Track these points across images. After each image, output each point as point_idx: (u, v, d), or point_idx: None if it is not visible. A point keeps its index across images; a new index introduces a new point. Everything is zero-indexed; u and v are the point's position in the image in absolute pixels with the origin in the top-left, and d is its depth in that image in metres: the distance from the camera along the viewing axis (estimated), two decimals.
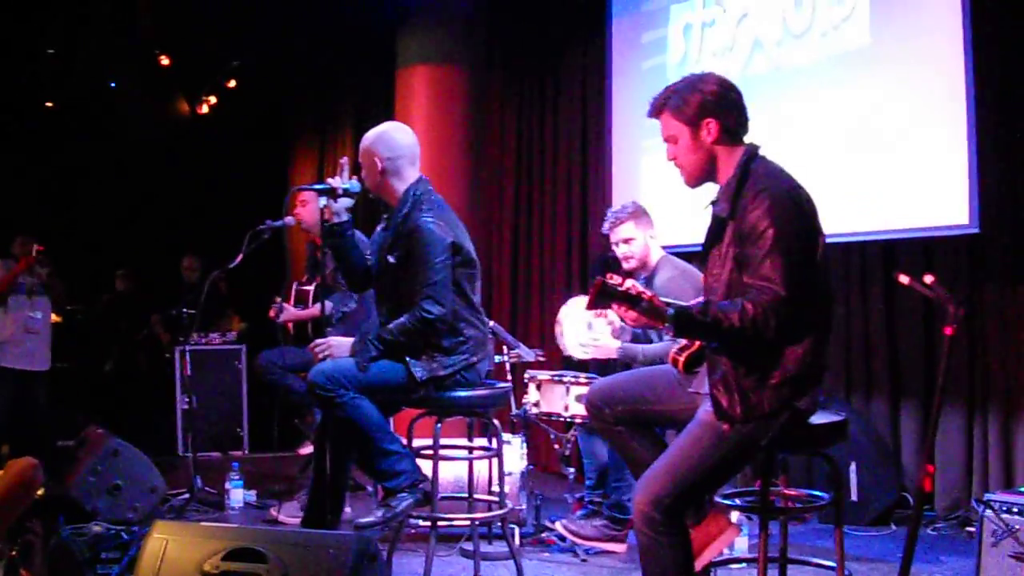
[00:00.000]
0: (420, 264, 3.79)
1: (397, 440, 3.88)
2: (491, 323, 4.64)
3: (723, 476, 3.04)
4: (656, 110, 3.05)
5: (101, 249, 10.57)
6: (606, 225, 4.87)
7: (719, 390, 2.87)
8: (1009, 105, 5.01)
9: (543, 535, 4.98)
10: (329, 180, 3.97)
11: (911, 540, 3.08)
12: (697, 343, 3.06)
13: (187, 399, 7.01)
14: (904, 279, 3.17)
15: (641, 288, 2.77)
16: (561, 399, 4.89)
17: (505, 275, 7.99)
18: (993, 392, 5.13)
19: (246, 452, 7.82)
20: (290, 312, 5.86)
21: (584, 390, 4.70)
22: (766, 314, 2.73)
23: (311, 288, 5.97)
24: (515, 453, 5.07)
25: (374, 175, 3.99)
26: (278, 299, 5.90)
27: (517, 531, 4.83)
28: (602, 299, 2.78)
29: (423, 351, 3.84)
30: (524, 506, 5.05)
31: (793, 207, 2.84)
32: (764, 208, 2.79)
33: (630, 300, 2.76)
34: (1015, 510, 3.75)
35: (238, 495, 5.77)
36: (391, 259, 3.91)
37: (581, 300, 5.29)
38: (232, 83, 10.78)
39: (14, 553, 3.52)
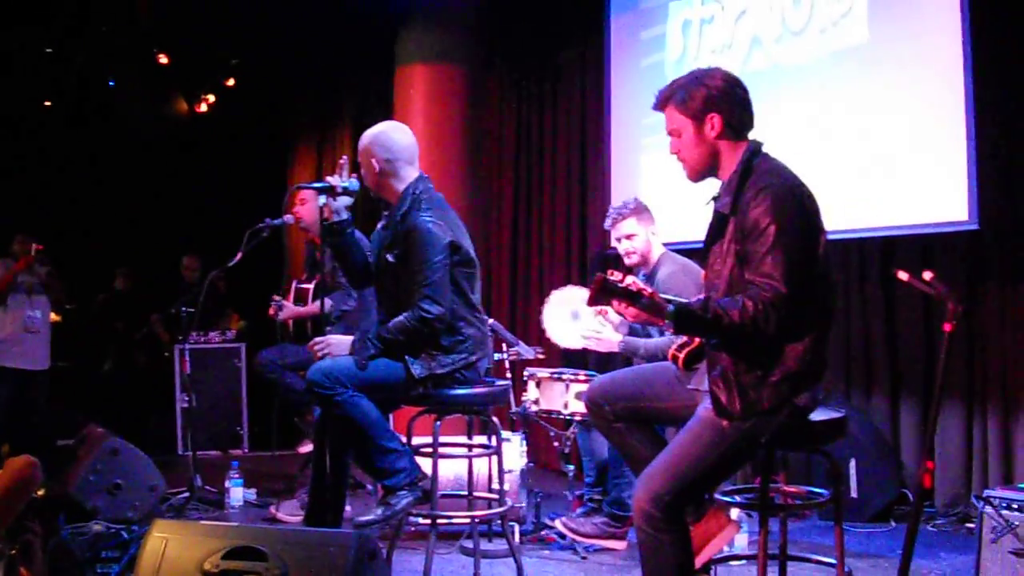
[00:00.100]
0: (418, 263, 3.79)
1: (396, 438, 3.87)
2: (490, 321, 4.64)
3: (723, 473, 3.04)
4: (661, 103, 3.05)
5: (100, 248, 10.57)
6: (608, 221, 4.89)
7: (719, 386, 2.87)
8: (1009, 102, 5.01)
9: (543, 533, 4.99)
10: (328, 178, 3.97)
11: (911, 536, 3.08)
12: (697, 340, 3.06)
13: (187, 398, 7.02)
14: (903, 276, 3.17)
15: (642, 284, 2.77)
16: (560, 396, 4.89)
17: (504, 273, 7.99)
18: (992, 388, 5.13)
19: (246, 451, 7.82)
20: (290, 309, 5.86)
21: (583, 387, 4.70)
22: (767, 311, 2.73)
23: (310, 287, 5.97)
24: (514, 451, 5.07)
25: (372, 175, 3.98)
26: (276, 297, 5.91)
27: (517, 529, 4.83)
28: (603, 295, 2.78)
29: (422, 350, 3.84)
30: (524, 504, 5.05)
31: (795, 204, 2.84)
32: (766, 205, 2.79)
33: (630, 296, 2.76)
34: (1015, 506, 3.75)
35: (238, 493, 5.77)
36: (390, 258, 3.91)
37: (573, 289, 5.30)
38: (231, 82, 10.77)
39: (14, 552, 3.51)
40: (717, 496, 3.30)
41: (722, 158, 2.99)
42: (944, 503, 5.27)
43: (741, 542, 4.55)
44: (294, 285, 6.11)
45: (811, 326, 2.85)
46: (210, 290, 6.05)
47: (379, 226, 4.12)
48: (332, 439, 3.94)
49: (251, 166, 10.74)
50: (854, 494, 5.23)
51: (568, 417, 4.93)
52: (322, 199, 3.96)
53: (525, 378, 5.10)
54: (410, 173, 3.98)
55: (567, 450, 5.18)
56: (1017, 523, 3.71)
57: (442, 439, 3.96)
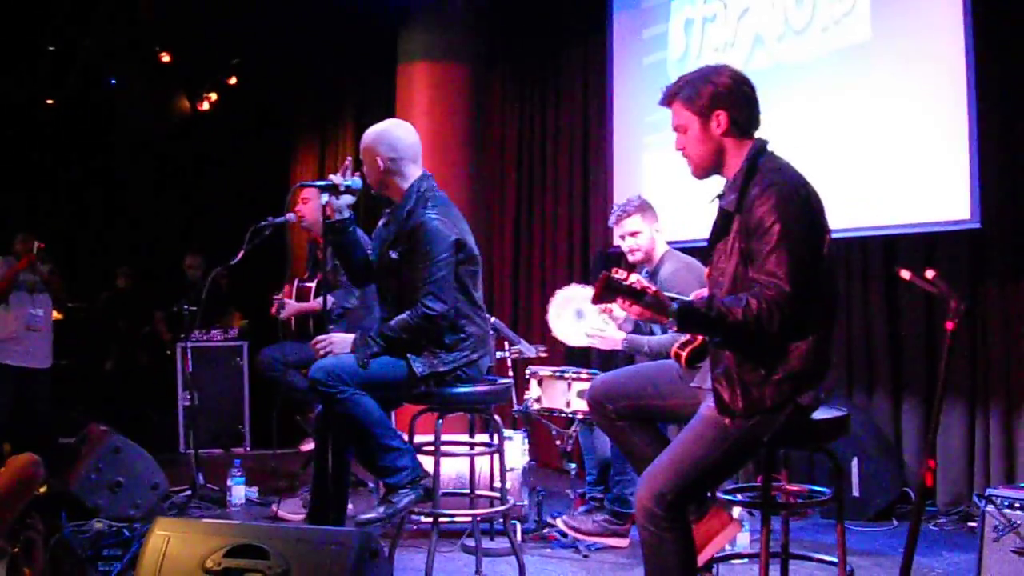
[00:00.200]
0: (423, 260, 3.79)
1: (398, 436, 3.87)
2: (492, 319, 4.65)
3: (725, 472, 3.04)
4: (668, 99, 3.05)
5: (102, 246, 10.58)
6: (612, 218, 4.90)
7: (722, 384, 2.86)
8: (1011, 100, 5.00)
9: (545, 531, 4.99)
10: (331, 176, 3.97)
11: (913, 535, 3.07)
12: (700, 338, 3.06)
13: (189, 396, 7.01)
14: (905, 274, 3.17)
15: (646, 283, 2.78)
16: (563, 395, 4.89)
17: (506, 271, 7.99)
18: (995, 387, 5.12)
19: (248, 449, 7.82)
20: (292, 306, 5.86)
21: (586, 386, 4.70)
22: (770, 310, 2.73)
23: (312, 285, 5.97)
24: (516, 449, 5.07)
25: (376, 173, 3.98)
26: (278, 296, 5.91)
27: (519, 527, 4.83)
28: (607, 293, 2.78)
29: (424, 347, 3.84)
30: (526, 502, 5.05)
31: (800, 203, 2.84)
32: (771, 203, 2.79)
33: (634, 294, 2.76)
34: (1017, 505, 3.74)
35: (240, 492, 5.77)
36: (393, 255, 3.90)
37: (577, 288, 5.30)
38: (233, 80, 10.78)
39: (16, 550, 3.52)
40: (719, 495, 3.30)
41: (727, 155, 2.98)
42: (946, 502, 5.27)
43: (743, 540, 4.55)
44: (296, 283, 6.11)
45: (815, 325, 2.85)
46: (212, 288, 6.04)
47: (380, 224, 4.12)
48: (334, 437, 3.94)
49: (253, 164, 10.75)
50: (856, 493, 5.22)
51: (570, 415, 4.92)
52: (325, 197, 3.96)
53: (527, 376, 5.10)
54: (414, 171, 3.98)
55: (569, 448, 5.17)
56: (1019, 522, 3.70)
57: (444, 437, 3.96)
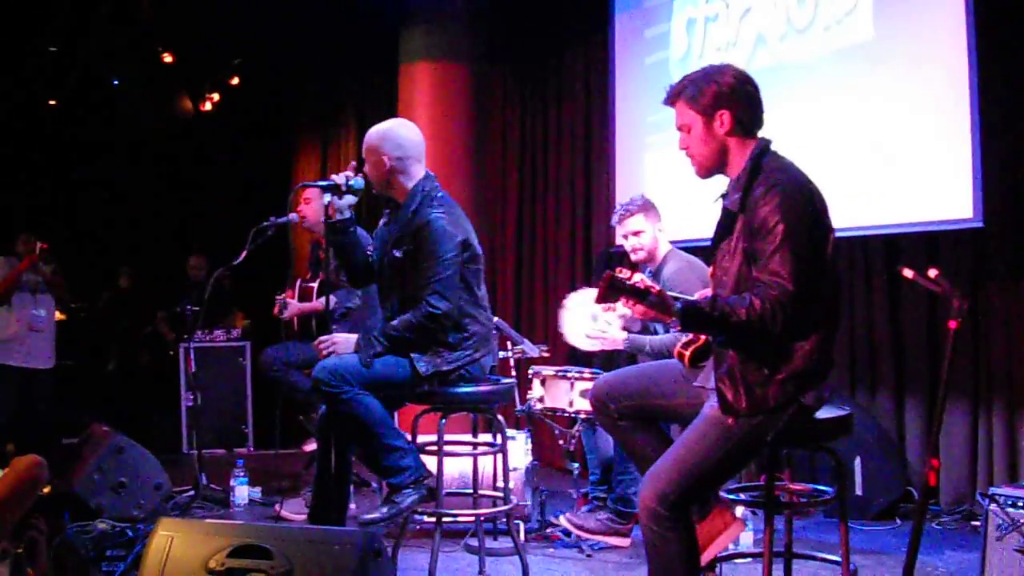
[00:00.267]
0: (429, 259, 3.79)
1: (401, 436, 3.87)
2: (495, 319, 4.64)
3: (728, 471, 3.03)
4: (672, 98, 3.05)
5: (104, 247, 10.58)
6: (615, 217, 4.89)
7: (725, 383, 2.86)
8: (1013, 99, 5.00)
9: (548, 530, 4.99)
10: (334, 176, 3.97)
11: (916, 534, 3.07)
12: (702, 337, 3.06)
13: (191, 396, 7.02)
14: (908, 273, 3.16)
15: (649, 282, 2.78)
16: (565, 395, 4.89)
17: (509, 270, 7.99)
18: (998, 386, 5.12)
19: (251, 449, 7.83)
20: (295, 306, 5.86)
21: (588, 385, 4.69)
22: (774, 309, 2.73)
23: (315, 285, 5.97)
24: (519, 449, 5.07)
25: (381, 172, 3.97)
26: (280, 296, 5.91)
27: (522, 527, 4.82)
28: (611, 293, 2.78)
29: (427, 347, 3.84)
30: (529, 502, 5.05)
31: (804, 203, 2.84)
32: (775, 203, 2.79)
33: (638, 294, 2.76)
34: (1020, 504, 3.74)
35: (243, 492, 5.78)
36: (397, 253, 3.90)
37: (588, 292, 5.29)
38: (235, 80, 10.78)
39: (19, 551, 3.52)
40: (722, 494, 3.30)
41: (731, 155, 2.98)
42: (949, 501, 5.26)
43: (746, 540, 4.55)
44: (298, 284, 6.12)
45: (818, 325, 2.85)
46: (215, 288, 6.04)
47: (381, 223, 4.12)
48: (337, 437, 3.94)
49: (255, 164, 10.75)
50: (859, 492, 5.22)
51: (573, 415, 4.92)
52: (327, 197, 3.96)
53: (530, 376, 5.10)
54: (419, 171, 3.98)
55: (572, 448, 5.17)
56: (1023, 521, 3.70)
57: (447, 437, 3.96)
